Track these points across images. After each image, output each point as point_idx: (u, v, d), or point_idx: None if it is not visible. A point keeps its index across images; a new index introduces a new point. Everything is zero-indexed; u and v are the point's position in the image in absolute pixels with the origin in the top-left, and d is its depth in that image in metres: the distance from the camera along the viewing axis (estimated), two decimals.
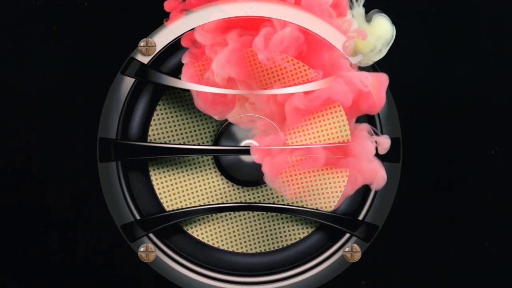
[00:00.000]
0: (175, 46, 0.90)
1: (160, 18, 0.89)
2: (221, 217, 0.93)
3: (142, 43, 0.89)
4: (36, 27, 0.92)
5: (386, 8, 0.86)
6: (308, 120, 0.88)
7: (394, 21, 0.86)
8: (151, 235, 0.92)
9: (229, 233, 0.93)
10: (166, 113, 0.92)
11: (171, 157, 0.92)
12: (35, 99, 0.92)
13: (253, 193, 0.94)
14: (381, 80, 0.86)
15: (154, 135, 0.92)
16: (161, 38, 0.89)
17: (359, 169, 0.86)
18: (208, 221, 0.94)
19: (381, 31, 0.86)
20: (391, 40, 0.86)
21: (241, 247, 0.93)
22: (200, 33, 0.87)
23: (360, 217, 0.92)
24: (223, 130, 0.92)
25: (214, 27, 0.87)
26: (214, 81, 0.86)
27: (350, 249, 0.92)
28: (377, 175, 0.86)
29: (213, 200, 0.93)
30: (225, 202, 0.93)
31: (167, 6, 0.87)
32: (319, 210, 0.90)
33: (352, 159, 0.86)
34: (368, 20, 0.86)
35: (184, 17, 0.88)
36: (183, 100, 0.92)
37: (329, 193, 0.88)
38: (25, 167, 0.93)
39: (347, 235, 0.92)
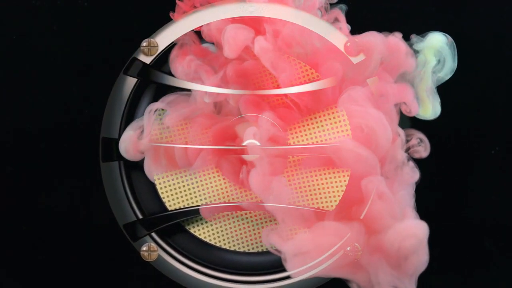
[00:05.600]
0: None
1: (162, 18, 0.89)
2: (223, 216, 0.93)
3: (144, 43, 0.90)
4: (36, 27, 0.92)
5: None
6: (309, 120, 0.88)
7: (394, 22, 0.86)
8: (153, 234, 0.92)
9: (231, 232, 0.93)
10: None
11: None
12: (37, 99, 0.93)
13: None
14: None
15: (156, 134, 0.92)
16: (163, 38, 0.90)
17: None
18: (211, 220, 0.94)
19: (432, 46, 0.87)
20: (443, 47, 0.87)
21: (243, 246, 0.93)
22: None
23: (361, 217, 0.91)
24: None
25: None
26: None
27: (353, 248, 0.91)
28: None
29: (215, 199, 0.93)
30: (227, 201, 0.93)
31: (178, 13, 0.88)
32: (320, 209, 0.90)
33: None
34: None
35: (187, 16, 0.88)
36: None
37: (330, 192, 0.89)
38: (28, 166, 0.93)
39: (350, 233, 0.92)
